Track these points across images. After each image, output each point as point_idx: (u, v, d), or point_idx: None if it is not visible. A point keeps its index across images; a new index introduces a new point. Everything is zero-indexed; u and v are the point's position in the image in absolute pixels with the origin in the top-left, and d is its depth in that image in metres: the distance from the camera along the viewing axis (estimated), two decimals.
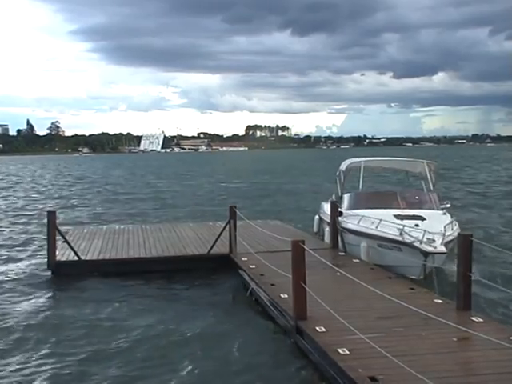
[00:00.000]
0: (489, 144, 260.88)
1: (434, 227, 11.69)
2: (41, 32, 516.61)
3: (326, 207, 16.73)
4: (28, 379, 7.90)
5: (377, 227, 12.37)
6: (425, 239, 11.04)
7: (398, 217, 12.73)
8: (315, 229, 17.67)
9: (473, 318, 8.42)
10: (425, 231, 11.23)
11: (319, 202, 18.44)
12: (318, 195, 29.57)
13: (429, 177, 15.20)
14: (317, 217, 17.91)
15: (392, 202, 14.11)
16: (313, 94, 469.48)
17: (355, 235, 13.29)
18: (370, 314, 8.77)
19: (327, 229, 15.36)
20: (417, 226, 11.88)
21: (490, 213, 25.06)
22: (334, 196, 17.01)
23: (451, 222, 12.77)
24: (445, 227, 11.80)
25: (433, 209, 13.91)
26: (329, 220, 15.47)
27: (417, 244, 11.10)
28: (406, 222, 12.15)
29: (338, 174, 16.73)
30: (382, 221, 12.36)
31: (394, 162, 17.89)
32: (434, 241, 11.00)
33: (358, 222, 13.20)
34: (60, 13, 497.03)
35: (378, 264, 12.28)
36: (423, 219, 12.55)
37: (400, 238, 11.57)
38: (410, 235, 11.42)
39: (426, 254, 10.99)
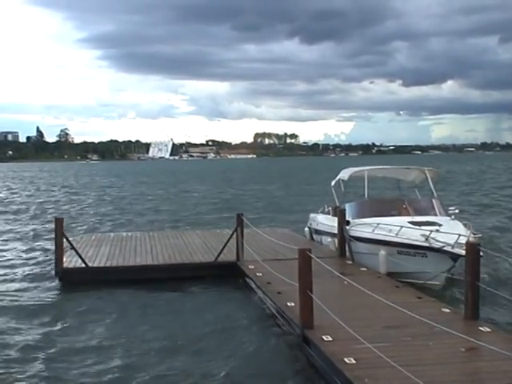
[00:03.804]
0: (488, 152, 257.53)
1: (458, 232, 11.64)
2: (50, 40, 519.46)
3: (321, 218, 16.70)
4: None
5: (397, 234, 12.28)
6: (456, 243, 10.98)
7: (413, 224, 12.64)
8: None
9: (481, 328, 8.35)
10: (459, 235, 11.21)
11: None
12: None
13: (431, 184, 15.18)
14: (307, 229, 17.91)
15: (401, 210, 14.02)
16: (321, 102, 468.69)
17: (370, 243, 13.11)
18: (377, 323, 8.72)
19: (329, 239, 15.29)
20: (438, 231, 11.82)
21: None
22: (325, 206, 16.97)
23: (469, 229, 12.67)
24: (469, 233, 11.78)
25: (442, 215, 13.85)
26: (328, 230, 15.41)
27: (448, 248, 11.07)
28: (425, 228, 12.09)
29: (334, 184, 16.53)
30: (402, 227, 12.28)
31: (397, 170, 17.79)
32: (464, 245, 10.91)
33: (373, 230, 13.06)
34: (69, 21, 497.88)
35: (395, 272, 12.22)
36: (440, 225, 12.43)
37: (427, 244, 11.53)
38: (437, 240, 11.39)
39: (456, 259, 10.98)
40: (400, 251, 12.25)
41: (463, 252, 10.51)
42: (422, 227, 12.17)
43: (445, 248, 11.14)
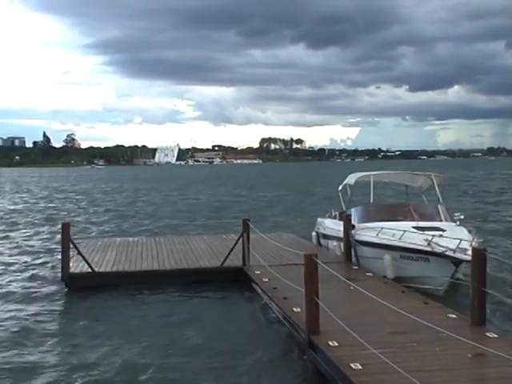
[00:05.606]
0: (490, 157, 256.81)
1: (461, 237, 11.62)
2: (56, 46, 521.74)
3: (328, 222, 16.71)
4: None
5: (400, 238, 12.27)
6: (458, 248, 10.96)
7: (417, 229, 12.64)
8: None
9: (487, 334, 8.33)
10: (460, 239, 11.19)
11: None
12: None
13: (437, 190, 15.16)
14: (314, 233, 17.90)
15: (406, 215, 14.05)
16: (327, 107, 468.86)
17: (374, 248, 13.12)
18: (384, 328, 8.71)
19: (335, 243, 15.30)
20: (441, 236, 11.80)
21: None
22: (333, 211, 16.98)
23: (473, 234, 12.63)
24: (473, 238, 11.76)
25: (447, 221, 13.83)
26: (334, 234, 15.43)
27: (449, 253, 11.04)
28: (428, 233, 12.07)
29: (341, 188, 16.65)
30: (406, 232, 12.25)
31: (403, 175, 17.78)
32: (466, 250, 10.86)
33: (377, 235, 13.07)
34: (75, 26, 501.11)
35: (398, 276, 12.20)
36: (443, 231, 12.41)
37: (429, 249, 11.50)
38: (439, 245, 11.37)
39: (458, 264, 10.95)
40: (403, 256, 12.24)
41: (465, 257, 10.58)
42: (426, 232, 12.17)
43: (446, 253, 11.11)
